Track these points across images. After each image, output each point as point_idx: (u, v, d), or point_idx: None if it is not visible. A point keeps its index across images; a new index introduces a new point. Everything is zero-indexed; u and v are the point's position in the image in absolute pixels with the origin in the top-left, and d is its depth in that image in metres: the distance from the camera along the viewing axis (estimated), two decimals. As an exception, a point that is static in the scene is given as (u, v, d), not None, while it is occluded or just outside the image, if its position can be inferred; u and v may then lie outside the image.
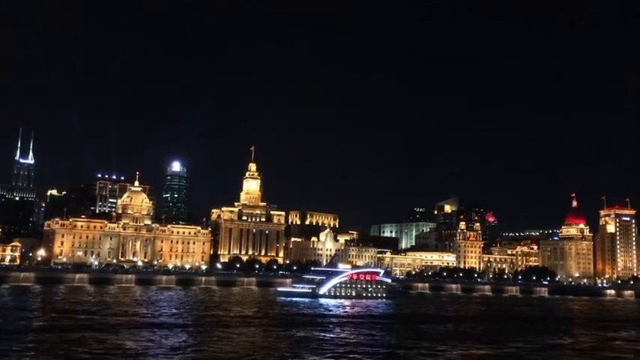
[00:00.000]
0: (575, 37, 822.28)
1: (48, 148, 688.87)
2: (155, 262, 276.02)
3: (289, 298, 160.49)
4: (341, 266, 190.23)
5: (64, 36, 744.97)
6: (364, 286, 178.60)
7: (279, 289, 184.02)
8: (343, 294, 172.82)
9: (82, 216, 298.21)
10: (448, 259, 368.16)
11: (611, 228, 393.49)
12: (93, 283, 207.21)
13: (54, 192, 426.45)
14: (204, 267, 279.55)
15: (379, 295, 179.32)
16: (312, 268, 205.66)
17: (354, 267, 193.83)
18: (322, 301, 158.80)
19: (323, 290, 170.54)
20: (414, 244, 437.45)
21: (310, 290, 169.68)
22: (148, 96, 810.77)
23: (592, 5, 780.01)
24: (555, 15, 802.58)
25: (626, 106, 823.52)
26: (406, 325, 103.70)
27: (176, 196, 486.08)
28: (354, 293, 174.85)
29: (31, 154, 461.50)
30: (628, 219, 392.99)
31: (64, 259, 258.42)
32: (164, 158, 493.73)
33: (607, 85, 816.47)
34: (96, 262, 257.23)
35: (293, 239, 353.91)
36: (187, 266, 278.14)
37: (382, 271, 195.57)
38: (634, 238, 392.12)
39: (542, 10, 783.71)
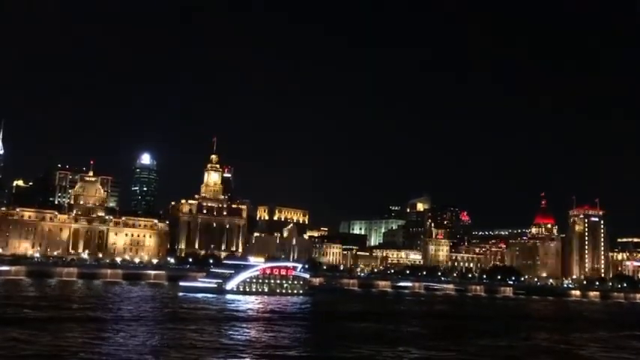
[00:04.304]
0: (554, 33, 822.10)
1: (20, 138, 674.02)
2: (101, 255, 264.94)
3: (192, 294, 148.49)
4: (252, 260, 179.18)
5: (37, 27, 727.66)
6: (278, 281, 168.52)
7: (182, 283, 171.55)
8: (254, 290, 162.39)
9: (34, 206, 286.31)
10: (414, 257, 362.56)
11: (579, 228, 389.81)
12: (31, 277, 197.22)
13: (20, 182, 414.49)
14: (155, 261, 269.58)
15: (295, 291, 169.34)
16: (224, 262, 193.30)
17: (270, 260, 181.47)
18: (229, 297, 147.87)
19: (230, 285, 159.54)
20: (382, 241, 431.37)
21: (216, 285, 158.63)
22: (121, 85, 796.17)
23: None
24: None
25: (596, 108, 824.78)
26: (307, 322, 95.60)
27: (145, 189, 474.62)
28: (266, 289, 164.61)
29: (0, 143, 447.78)
30: (597, 219, 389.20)
31: (3, 251, 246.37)
32: (135, 150, 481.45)
33: (576, 84, 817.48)
34: (37, 255, 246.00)
35: (256, 234, 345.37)
36: (136, 260, 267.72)
37: (300, 266, 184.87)
38: (602, 239, 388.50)
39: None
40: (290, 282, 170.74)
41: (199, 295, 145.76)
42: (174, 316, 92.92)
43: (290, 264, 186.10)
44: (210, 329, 78.30)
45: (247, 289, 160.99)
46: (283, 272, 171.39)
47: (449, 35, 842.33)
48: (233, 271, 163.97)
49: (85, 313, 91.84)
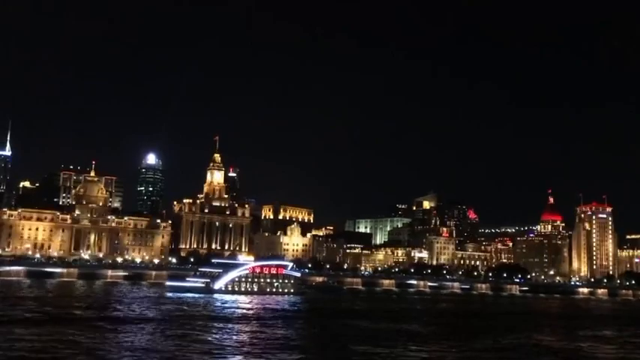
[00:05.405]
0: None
1: (28, 139, 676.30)
2: (102, 255, 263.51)
3: (179, 294, 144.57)
4: (242, 258, 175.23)
5: (37, 27, 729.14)
6: (268, 280, 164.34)
7: (169, 283, 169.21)
8: (243, 289, 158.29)
9: (36, 207, 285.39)
10: (420, 255, 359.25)
11: (587, 225, 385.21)
12: (31, 277, 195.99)
13: (27, 184, 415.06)
14: (156, 261, 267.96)
15: (286, 290, 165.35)
16: (213, 261, 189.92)
17: (259, 259, 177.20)
18: (217, 297, 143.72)
19: (218, 285, 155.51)
20: (387, 239, 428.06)
21: (204, 285, 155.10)
22: (121, 85, 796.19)
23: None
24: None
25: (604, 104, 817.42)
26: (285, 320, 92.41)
27: (151, 189, 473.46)
28: (255, 288, 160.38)
29: (8, 145, 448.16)
30: (604, 216, 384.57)
31: (4, 252, 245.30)
32: (139, 151, 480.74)
33: (576, 84, 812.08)
34: (37, 255, 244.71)
35: (260, 233, 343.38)
36: (138, 260, 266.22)
37: (290, 265, 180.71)
38: (610, 236, 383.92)
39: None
40: (280, 281, 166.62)
41: (188, 295, 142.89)
42: (160, 317, 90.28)
43: (280, 262, 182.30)
44: (194, 331, 75.65)
45: (236, 289, 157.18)
46: (273, 271, 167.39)
47: (452, 37, 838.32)
48: (221, 270, 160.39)
49: (71, 313, 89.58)
